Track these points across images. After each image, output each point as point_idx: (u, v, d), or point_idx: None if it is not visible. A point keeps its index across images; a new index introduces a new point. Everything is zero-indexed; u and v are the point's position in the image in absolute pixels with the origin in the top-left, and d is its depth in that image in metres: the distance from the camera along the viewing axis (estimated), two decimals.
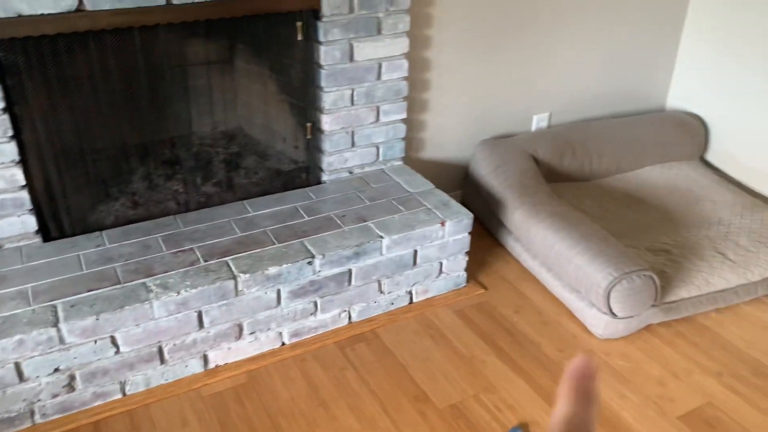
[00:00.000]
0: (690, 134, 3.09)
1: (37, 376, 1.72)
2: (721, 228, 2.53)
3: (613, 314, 2.11)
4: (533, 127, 3.02)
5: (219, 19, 2.00)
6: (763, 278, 2.33)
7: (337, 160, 2.42)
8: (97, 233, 2.07)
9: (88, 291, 1.79)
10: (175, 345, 1.89)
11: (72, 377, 1.77)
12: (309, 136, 2.37)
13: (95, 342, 1.75)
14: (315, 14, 2.15)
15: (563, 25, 2.86)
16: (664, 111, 3.36)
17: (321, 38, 2.18)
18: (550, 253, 2.27)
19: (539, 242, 2.32)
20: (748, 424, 1.88)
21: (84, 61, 1.93)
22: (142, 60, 2.02)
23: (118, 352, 1.80)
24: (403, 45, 2.33)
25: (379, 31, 2.26)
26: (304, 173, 2.43)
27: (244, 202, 2.29)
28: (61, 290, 1.79)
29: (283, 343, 2.11)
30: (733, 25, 2.97)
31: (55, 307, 1.73)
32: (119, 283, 1.83)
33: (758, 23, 2.86)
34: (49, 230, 2.03)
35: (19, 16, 1.72)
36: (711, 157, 3.21)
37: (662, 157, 3.03)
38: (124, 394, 1.89)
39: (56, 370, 1.74)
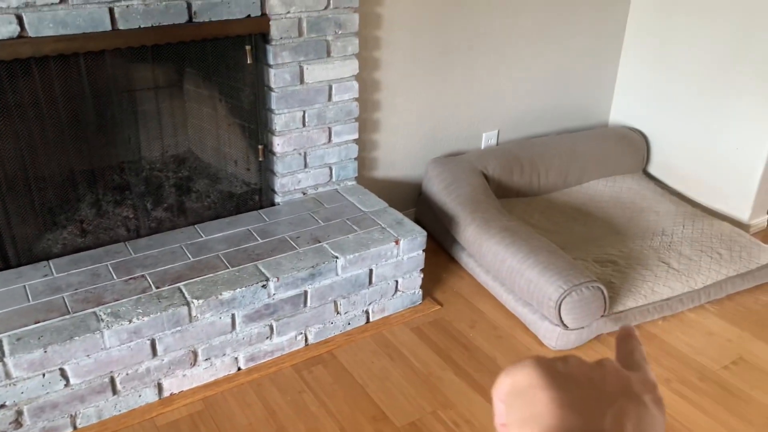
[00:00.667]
0: (632, 148, 3.20)
1: None
2: (664, 238, 2.63)
3: (565, 326, 2.17)
4: (483, 145, 3.09)
5: (167, 43, 1.99)
6: (706, 286, 2.43)
7: (290, 181, 2.42)
8: (44, 263, 2.02)
9: (36, 323, 1.75)
10: (127, 375, 1.85)
11: (19, 413, 1.72)
12: (261, 158, 2.37)
13: (43, 375, 1.70)
14: (264, 38, 2.17)
15: (508, 45, 2.94)
16: (607, 126, 3.48)
17: (271, 61, 2.19)
18: (502, 267, 2.32)
19: (491, 257, 2.36)
20: (696, 428, 1.94)
21: (28, 87, 1.89)
22: (89, 85, 2.00)
23: (68, 384, 1.76)
24: (352, 67, 2.36)
25: (328, 54, 2.29)
26: (257, 195, 2.42)
27: (196, 226, 2.27)
28: (7, 323, 1.74)
29: (239, 368, 2.08)
30: (668, 45, 3.11)
31: (0, 341, 1.68)
32: (68, 313, 1.79)
33: (691, 43, 3.00)
34: None
35: None
36: (653, 169, 3.33)
37: (606, 170, 3.13)
38: (75, 428, 1.83)
39: (2, 406, 1.68)
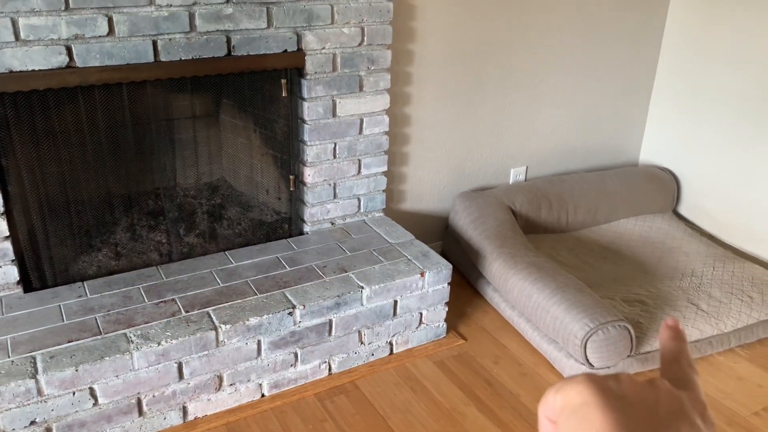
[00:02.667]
0: (662, 188, 3.19)
1: (13, 429, 1.70)
2: (693, 279, 2.59)
3: (590, 364, 2.14)
4: (511, 180, 3.10)
5: (205, 75, 2.07)
6: (735, 329, 2.39)
7: (319, 211, 2.46)
8: (78, 284, 2.08)
9: (69, 342, 1.79)
10: (154, 397, 1.88)
11: (48, 430, 1.75)
12: (292, 188, 2.42)
13: (73, 394, 1.74)
14: (299, 72, 2.23)
15: (539, 83, 2.97)
16: (637, 165, 3.47)
17: (305, 95, 2.25)
18: (527, 303, 2.31)
19: (517, 292, 2.36)
20: None
21: (72, 114, 1.98)
22: (129, 114, 2.08)
23: (96, 404, 1.79)
24: (384, 101, 2.41)
25: (361, 89, 2.34)
26: (287, 224, 2.47)
27: (227, 252, 2.31)
28: (41, 341, 1.79)
29: (263, 395, 2.10)
30: (700, 86, 3.11)
31: (34, 358, 1.73)
32: (100, 333, 1.84)
33: (723, 84, 3.00)
34: (30, 281, 2.03)
35: (10, 71, 1.77)
36: (683, 210, 3.30)
37: (636, 209, 3.11)
38: None
39: (32, 422, 1.72)
